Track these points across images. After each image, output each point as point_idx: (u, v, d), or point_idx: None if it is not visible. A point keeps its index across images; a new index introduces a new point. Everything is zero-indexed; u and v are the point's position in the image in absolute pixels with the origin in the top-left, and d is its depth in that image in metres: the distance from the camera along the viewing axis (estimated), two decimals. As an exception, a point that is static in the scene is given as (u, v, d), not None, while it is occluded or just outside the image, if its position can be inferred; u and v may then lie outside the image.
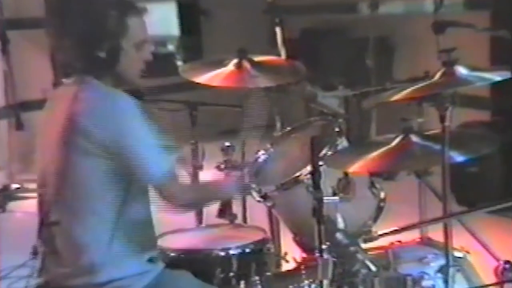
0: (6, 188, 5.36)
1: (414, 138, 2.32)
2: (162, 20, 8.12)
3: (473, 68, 2.27)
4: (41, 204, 2.31)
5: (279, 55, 3.20)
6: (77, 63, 2.26)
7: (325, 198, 1.98)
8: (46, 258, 2.31)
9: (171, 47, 8.12)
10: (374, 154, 2.28)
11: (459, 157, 2.20)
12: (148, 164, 2.18)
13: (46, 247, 2.30)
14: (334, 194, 2.24)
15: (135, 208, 2.25)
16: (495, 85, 2.23)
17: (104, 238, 2.22)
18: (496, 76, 2.24)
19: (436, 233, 2.54)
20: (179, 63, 7.63)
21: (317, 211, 1.93)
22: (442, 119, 2.19)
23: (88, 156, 2.18)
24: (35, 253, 2.31)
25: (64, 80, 2.34)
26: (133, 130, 2.17)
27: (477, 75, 2.25)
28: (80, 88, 2.23)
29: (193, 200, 2.31)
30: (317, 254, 1.95)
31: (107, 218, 2.22)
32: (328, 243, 1.99)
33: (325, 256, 1.94)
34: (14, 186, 5.26)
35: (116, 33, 2.22)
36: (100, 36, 2.22)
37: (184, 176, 2.30)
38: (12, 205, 5.16)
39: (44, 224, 2.27)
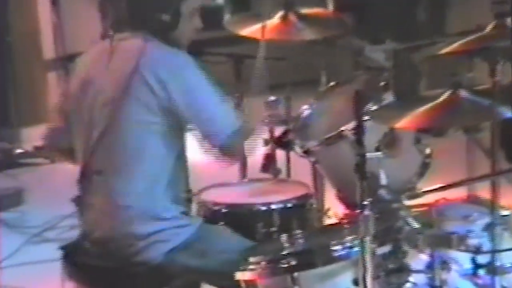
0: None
1: (463, 93, 2.25)
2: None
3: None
4: (84, 151, 2.32)
5: (326, 7, 3.14)
6: (139, 22, 2.29)
7: (368, 154, 1.94)
8: (86, 209, 2.33)
9: (219, 0, 8.07)
10: (421, 109, 2.22)
11: (509, 113, 2.13)
12: (218, 120, 2.24)
13: (86, 198, 2.32)
14: (378, 150, 2.20)
15: (176, 164, 2.29)
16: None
17: (145, 191, 2.24)
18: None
19: (484, 191, 2.49)
20: (227, 15, 7.59)
21: (360, 167, 1.90)
22: (493, 73, 2.12)
23: (148, 112, 2.21)
24: (76, 202, 2.33)
25: (116, 34, 2.33)
26: (202, 86, 2.23)
27: (531, 28, 2.16)
28: (146, 44, 2.26)
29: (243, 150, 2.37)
30: (359, 210, 1.92)
31: (150, 171, 2.25)
32: (370, 199, 1.96)
33: (366, 212, 1.91)
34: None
35: None
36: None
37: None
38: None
39: (85, 173, 2.29)
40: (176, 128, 2.26)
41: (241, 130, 2.28)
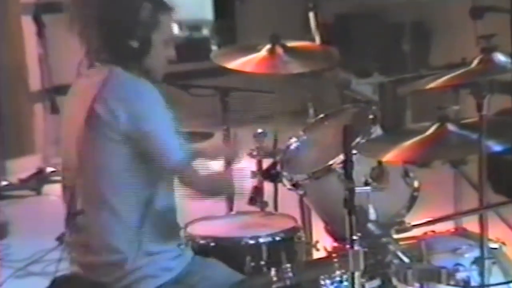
0: (41, 171, 5.40)
1: (450, 126, 2.26)
2: (196, 4, 8.10)
3: (512, 55, 2.20)
4: (65, 191, 2.32)
5: (313, 40, 3.16)
6: (108, 50, 2.27)
7: (356, 188, 1.94)
8: (74, 246, 2.31)
9: (205, 32, 8.11)
10: (409, 142, 2.23)
11: (496, 147, 2.14)
12: (167, 149, 2.21)
13: (73, 236, 2.30)
14: (367, 184, 2.20)
15: (160, 195, 2.26)
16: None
17: (131, 226, 2.22)
18: (537, 64, 2.17)
19: (471, 224, 2.49)
20: (214, 47, 7.62)
21: (348, 201, 1.90)
22: (479, 107, 2.13)
23: (111, 142, 2.19)
24: (61, 240, 2.30)
25: (92, 66, 2.34)
26: (155, 116, 2.21)
27: (516, 63, 2.18)
28: (107, 75, 2.25)
29: (210, 187, 2.34)
30: (348, 246, 1.91)
31: (133, 205, 2.23)
32: (359, 234, 1.96)
33: (356, 247, 1.90)
34: (49, 169, 5.30)
35: (149, 25, 2.26)
36: (133, 25, 2.24)
37: (204, 165, 2.32)
38: (47, 188, 5.21)
39: (70, 213, 2.28)
40: (147, 158, 2.22)
41: (190, 163, 2.26)
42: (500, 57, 2.17)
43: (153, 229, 2.25)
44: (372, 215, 2.25)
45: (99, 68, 2.30)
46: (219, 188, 2.41)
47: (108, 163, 2.22)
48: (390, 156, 2.23)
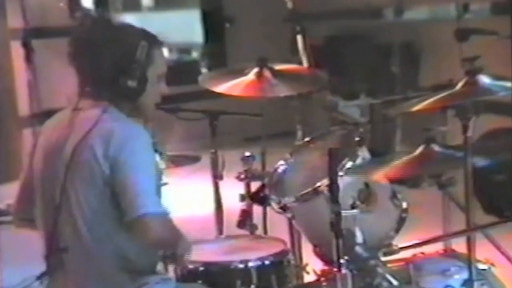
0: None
1: (436, 148, 2.28)
2: (186, 28, 8.15)
3: (497, 77, 2.22)
4: (46, 226, 2.27)
5: (301, 63, 3.17)
6: (104, 89, 2.24)
7: (343, 211, 1.94)
8: (55, 283, 2.29)
9: (195, 55, 8.15)
10: (396, 163, 2.25)
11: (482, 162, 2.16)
12: (138, 196, 2.14)
13: (56, 275, 2.27)
14: (354, 206, 2.20)
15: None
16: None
17: (109, 266, 2.21)
18: (521, 85, 2.19)
19: (460, 245, 2.49)
20: (204, 70, 7.65)
21: (335, 225, 1.90)
22: (465, 129, 2.15)
23: (95, 184, 2.17)
24: (41, 280, 2.27)
25: (80, 101, 2.28)
26: (135, 167, 2.16)
27: (501, 85, 2.21)
28: (98, 115, 2.21)
29: (160, 243, 2.23)
30: (336, 269, 1.91)
31: (106, 245, 2.21)
32: (347, 257, 1.96)
33: (344, 270, 1.90)
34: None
35: (145, 63, 2.24)
36: (131, 65, 2.22)
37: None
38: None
39: (51, 251, 2.24)
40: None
41: (156, 219, 2.16)
42: (484, 79, 2.19)
43: (128, 273, 2.22)
44: (359, 237, 2.25)
45: (91, 104, 2.25)
46: (172, 246, 2.28)
47: (86, 203, 2.19)
48: (377, 175, 2.25)
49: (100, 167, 2.16)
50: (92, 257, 2.22)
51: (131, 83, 2.22)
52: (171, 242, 2.25)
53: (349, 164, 2.43)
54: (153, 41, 2.28)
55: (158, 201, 2.20)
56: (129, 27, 2.32)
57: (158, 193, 2.25)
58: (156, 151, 3.08)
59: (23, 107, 5.59)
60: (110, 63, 2.21)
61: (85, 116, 2.23)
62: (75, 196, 2.20)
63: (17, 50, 5.44)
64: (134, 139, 2.19)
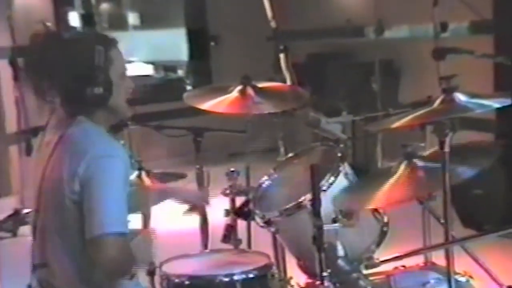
0: (17, 212, 5.40)
1: (418, 163, 2.33)
2: (172, 46, 8.20)
3: (473, 95, 2.28)
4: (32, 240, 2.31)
5: (284, 81, 3.23)
6: (72, 103, 2.23)
7: (325, 225, 2.00)
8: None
9: (180, 72, 8.20)
10: (382, 188, 2.29)
11: (465, 172, 2.21)
12: (98, 215, 2.12)
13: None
14: (336, 220, 2.25)
15: None
16: (500, 109, 2.24)
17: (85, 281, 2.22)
18: (496, 103, 2.26)
19: (440, 258, 2.55)
20: (189, 88, 7.70)
21: (317, 238, 1.95)
22: (442, 145, 2.21)
23: (66, 199, 2.18)
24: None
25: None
26: (105, 181, 2.15)
27: (477, 102, 2.26)
28: (73, 131, 2.22)
29: (112, 264, 2.14)
30: (319, 282, 1.96)
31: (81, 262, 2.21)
32: (329, 270, 2.00)
33: (327, 283, 1.95)
34: (26, 211, 5.29)
35: (105, 66, 2.22)
36: (93, 72, 2.20)
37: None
38: (23, 230, 5.19)
39: (35, 265, 2.27)
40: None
41: (119, 242, 2.12)
42: (461, 97, 2.26)
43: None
44: (341, 251, 2.30)
45: (66, 121, 2.24)
46: (123, 271, 2.22)
47: (58, 221, 2.20)
48: (367, 204, 2.29)
49: (69, 185, 2.15)
50: (67, 273, 2.22)
51: (97, 90, 2.20)
52: (124, 267, 2.18)
53: (331, 180, 2.50)
54: (107, 42, 2.25)
55: (122, 222, 2.15)
56: (80, 36, 2.30)
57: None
58: (140, 169, 3.14)
59: (10, 124, 5.61)
60: (71, 76, 2.19)
61: (58, 134, 2.24)
62: (50, 213, 2.21)
63: (4, 68, 5.45)
64: (105, 158, 2.17)
